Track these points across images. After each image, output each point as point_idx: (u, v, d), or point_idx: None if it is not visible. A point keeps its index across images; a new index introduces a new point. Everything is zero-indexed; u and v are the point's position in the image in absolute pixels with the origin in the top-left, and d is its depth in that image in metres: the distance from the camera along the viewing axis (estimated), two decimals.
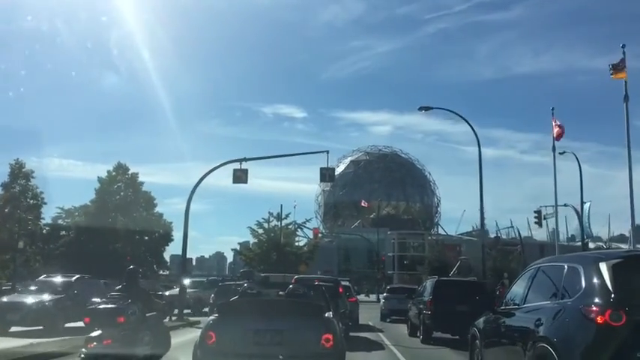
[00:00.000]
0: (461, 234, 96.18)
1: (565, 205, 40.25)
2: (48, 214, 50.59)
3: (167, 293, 25.84)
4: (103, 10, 77.14)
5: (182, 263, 25.26)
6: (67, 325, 16.13)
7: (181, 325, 18.80)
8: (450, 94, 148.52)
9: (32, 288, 18.32)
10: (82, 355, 8.46)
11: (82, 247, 45.32)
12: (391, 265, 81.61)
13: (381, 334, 18.22)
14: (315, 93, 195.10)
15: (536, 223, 42.03)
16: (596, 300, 5.19)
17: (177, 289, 25.42)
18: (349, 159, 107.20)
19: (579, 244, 70.86)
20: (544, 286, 6.54)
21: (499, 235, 74.31)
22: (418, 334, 16.62)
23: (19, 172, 47.27)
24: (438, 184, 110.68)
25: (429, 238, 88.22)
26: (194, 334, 10.33)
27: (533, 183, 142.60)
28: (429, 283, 18.01)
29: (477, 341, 8.31)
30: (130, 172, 52.55)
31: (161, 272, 54.95)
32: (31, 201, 47.96)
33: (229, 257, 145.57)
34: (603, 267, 5.41)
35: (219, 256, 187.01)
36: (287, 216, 54.04)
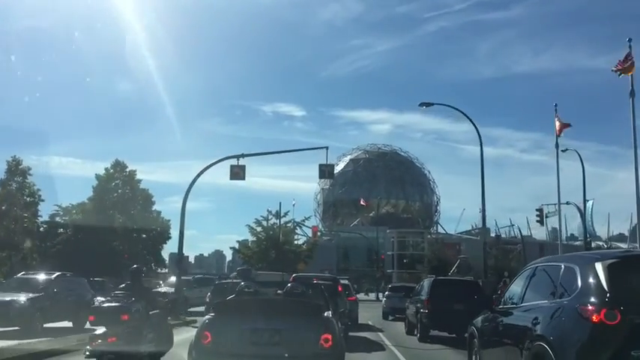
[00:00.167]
0: (460, 233, 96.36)
1: (567, 203, 39.87)
2: (45, 212, 50.48)
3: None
4: (102, 9, 77.06)
5: (178, 261, 25.12)
6: (46, 325, 15.29)
7: (177, 324, 18.75)
8: (449, 93, 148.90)
9: (12, 285, 17.06)
10: (87, 353, 8.57)
11: (80, 245, 45.16)
12: (390, 264, 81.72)
13: (381, 333, 18.14)
14: (315, 91, 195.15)
15: (538, 221, 41.63)
16: (592, 299, 5.28)
17: (164, 288, 25.22)
18: (348, 157, 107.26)
19: (578, 243, 71.29)
20: (541, 286, 6.62)
21: (499, 234, 74.44)
22: (415, 333, 16.85)
23: (15, 170, 46.85)
24: (436, 182, 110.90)
25: (429, 236, 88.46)
26: (191, 332, 10.31)
27: (533, 182, 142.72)
28: (426, 283, 18.36)
29: (475, 340, 8.34)
30: (127, 170, 52.45)
31: (159, 270, 54.79)
32: (28, 198, 47.52)
33: (229, 255, 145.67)
34: (599, 267, 5.50)
35: (219, 255, 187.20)
36: (286, 214, 53.89)
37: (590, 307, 5.17)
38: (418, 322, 16.49)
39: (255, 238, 53.54)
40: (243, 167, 23.54)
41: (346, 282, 22.65)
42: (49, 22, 63.62)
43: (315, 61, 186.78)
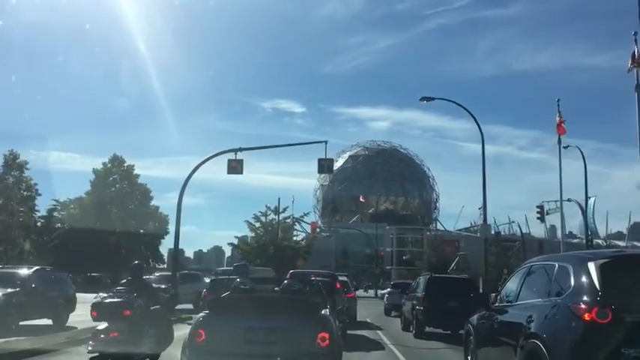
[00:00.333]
0: (459, 230, 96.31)
1: (569, 200, 39.56)
2: (43, 207, 50.25)
3: None
4: (100, 3, 76.88)
5: (174, 256, 24.75)
6: (22, 323, 14.28)
7: (173, 321, 18.68)
8: (449, 90, 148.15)
9: None
10: (90, 348, 8.70)
11: (77, 240, 45.08)
12: (389, 261, 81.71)
13: (379, 331, 17.97)
14: (314, 88, 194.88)
15: (538, 218, 41.37)
16: (584, 298, 5.36)
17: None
18: (348, 154, 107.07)
19: (576, 241, 71.25)
20: (536, 284, 6.69)
21: (498, 231, 74.43)
22: (411, 329, 17.07)
23: (12, 164, 46.50)
24: (436, 179, 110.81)
25: (428, 233, 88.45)
26: (185, 330, 10.28)
27: (532, 179, 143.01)
28: (422, 280, 18.51)
29: (471, 337, 8.39)
30: (125, 165, 52.33)
31: (157, 266, 54.72)
32: (25, 192, 47.21)
33: (228, 251, 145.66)
34: (592, 266, 5.59)
35: (218, 250, 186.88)
36: (285, 210, 53.74)
37: (582, 306, 5.24)
38: (414, 318, 16.72)
39: (253, 234, 53.51)
40: (240, 161, 23.24)
41: (345, 279, 22.45)
42: (49, 18, 63.53)
43: (315, 57, 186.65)
